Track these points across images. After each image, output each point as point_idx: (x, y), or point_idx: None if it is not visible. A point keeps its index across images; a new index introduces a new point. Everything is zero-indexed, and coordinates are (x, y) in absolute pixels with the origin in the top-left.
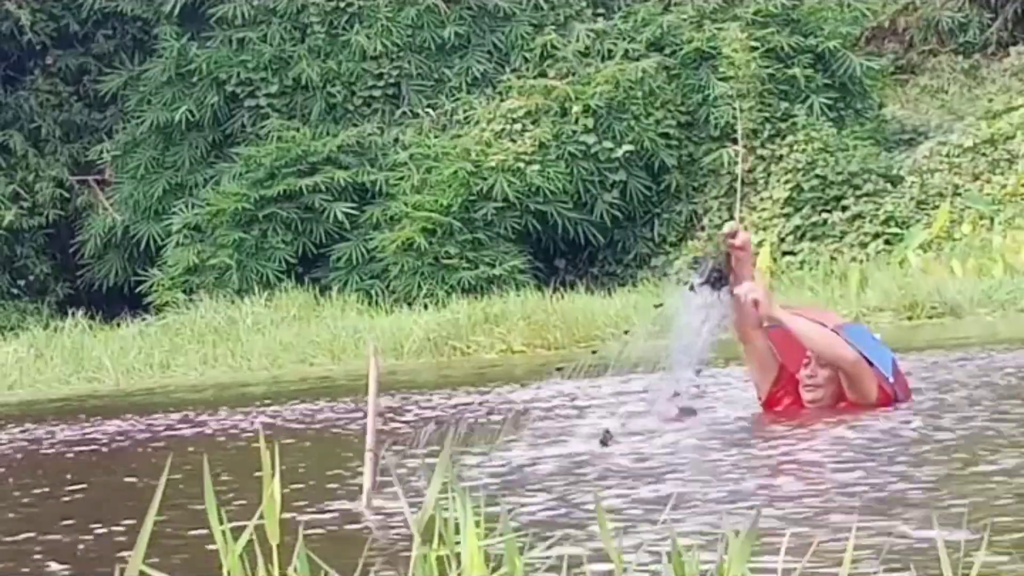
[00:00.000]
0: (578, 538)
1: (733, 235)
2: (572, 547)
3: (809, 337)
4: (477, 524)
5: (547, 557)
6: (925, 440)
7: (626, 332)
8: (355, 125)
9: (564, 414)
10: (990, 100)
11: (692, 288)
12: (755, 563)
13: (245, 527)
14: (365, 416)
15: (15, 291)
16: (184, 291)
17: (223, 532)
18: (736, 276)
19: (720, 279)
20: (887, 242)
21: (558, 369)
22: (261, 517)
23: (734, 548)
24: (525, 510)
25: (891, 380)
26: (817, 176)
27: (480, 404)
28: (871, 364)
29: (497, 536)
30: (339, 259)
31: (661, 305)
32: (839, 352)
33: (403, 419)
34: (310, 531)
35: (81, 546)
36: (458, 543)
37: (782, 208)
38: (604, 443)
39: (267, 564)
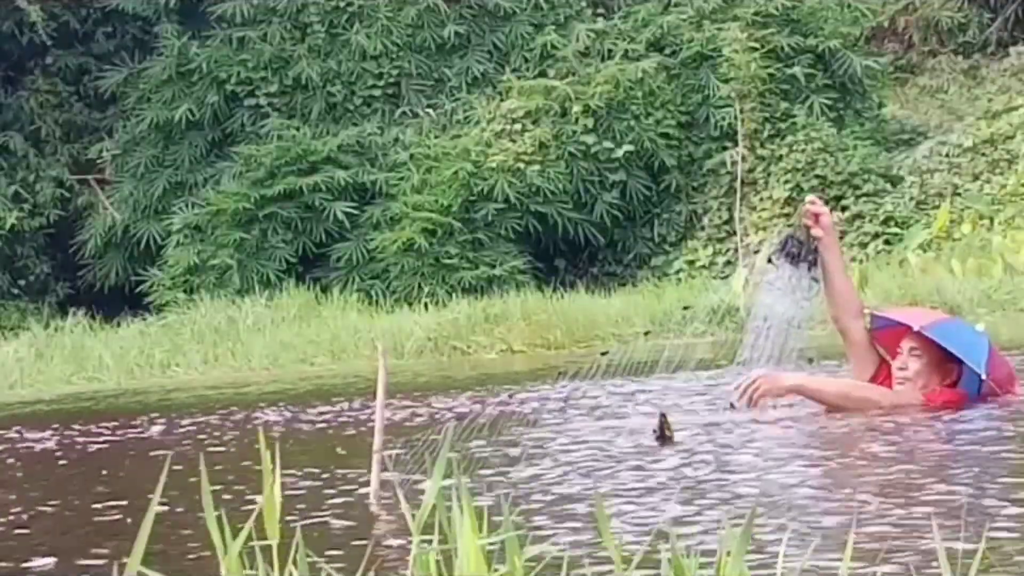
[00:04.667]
0: (581, 537)
1: (815, 212)
2: (573, 547)
3: (823, 392)
4: (480, 523)
5: (548, 556)
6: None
7: (646, 333)
8: (355, 125)
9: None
10: (990, 100)
11: (771, 261)
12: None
13: (244, 527)
14: (366, 414)
15: (15, 291)
16: (185, 291)
17: (221, 532)
18: (821, 259)
19: (799, 254)
20: (887, 242)
21: (560, 373)
22: (260, 517)
23: (732, 544)
24: (530, 508)
25: (983, 377)
26: (817, 176)
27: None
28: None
29: (498, 534)
30: (339, 259)
31: (606, 353)
32: (831, 400)
33: (405, 418)
34: (310, 531)
35: (80, 545)
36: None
37: (782, 208)
38: (667, 438)
39: (266, 564)
